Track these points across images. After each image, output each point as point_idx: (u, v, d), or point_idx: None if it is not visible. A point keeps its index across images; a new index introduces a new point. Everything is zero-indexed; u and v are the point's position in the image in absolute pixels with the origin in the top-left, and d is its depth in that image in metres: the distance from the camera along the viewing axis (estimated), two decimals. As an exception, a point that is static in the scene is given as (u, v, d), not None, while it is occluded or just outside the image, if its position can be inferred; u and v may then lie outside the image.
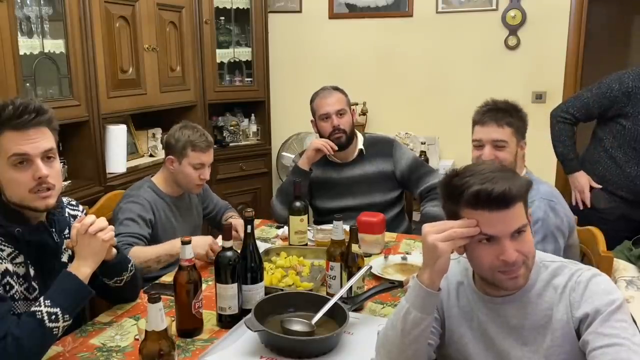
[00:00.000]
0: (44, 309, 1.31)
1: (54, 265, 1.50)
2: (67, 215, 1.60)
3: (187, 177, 2.11)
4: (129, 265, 1.61)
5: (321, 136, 2.49)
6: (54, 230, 1.52)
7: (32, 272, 1.44)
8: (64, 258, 1.55)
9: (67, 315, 1.34)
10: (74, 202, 1.71)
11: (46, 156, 1.40)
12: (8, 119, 1.34)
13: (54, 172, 1.42)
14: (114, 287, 1.60)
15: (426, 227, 1.14)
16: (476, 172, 1.12)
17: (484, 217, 1.10)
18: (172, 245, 1.91)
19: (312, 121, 2.54)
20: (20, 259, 1.42)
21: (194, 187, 2.16)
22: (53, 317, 1.31)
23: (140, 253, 1.88)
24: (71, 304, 1.36)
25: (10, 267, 1.39)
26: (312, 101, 2.51)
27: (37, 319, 1.30)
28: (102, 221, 1.45)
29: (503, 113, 1.85)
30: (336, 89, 2.50)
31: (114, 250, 1.55)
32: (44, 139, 1.40)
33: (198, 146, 2.08)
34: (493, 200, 1.08)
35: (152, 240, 2.03)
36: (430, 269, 1.13)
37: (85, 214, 1.66)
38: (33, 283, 1.44)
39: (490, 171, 1.12)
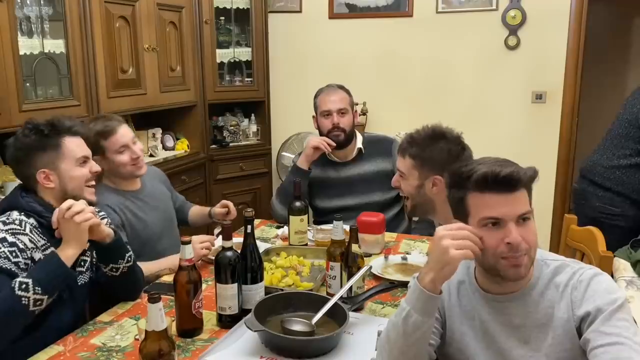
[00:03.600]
0: (18, 279, 1.38)
1: (77, 259, 1.56)
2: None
3: (120, 164, 2.01)
4: (127, 255, 1.64)
5: (320, 132, 2.49)
6: None
7: None
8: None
9: (39, 288, 1.39)
10: None
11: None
12: (69, 127, 1.62)
13: None
14: (111, 278, 1.62)
15: (441, 230, 1.13)
16: (483, 161, 1.17)
17: (491, 200, 1.12)
18: (172, 261, 1.87)
19: (313, 116, 2.55)
20: (49, 251, 1.51)
21: (133, 169, 2.05)
22: (23, 286, 1.37)
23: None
24: (44, 278, 1.41)
25: (41, 257, 1.49)
26: (315, 96, 2.52)
27: (10, 287, 1.37)
28: (79, 205, 1.50)
29: (408, 145, 1.76)
30: (341, 87, 2.51)
31: (107, 231, 1.59)
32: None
33: (106, 132, 1.99)
34: (500, 181, 1.11)
35: (132, 243, 1.95)
36: (435, 273, 1.12)
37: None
38: None
39: (496, 159, 1.18)
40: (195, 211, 2.41)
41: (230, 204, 2.26)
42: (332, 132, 2.44)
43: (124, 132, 2.04)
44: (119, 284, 1.65)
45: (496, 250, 1.13)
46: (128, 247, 1.68)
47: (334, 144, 2.42)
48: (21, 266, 1.44)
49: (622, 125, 2.50)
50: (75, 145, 1.62)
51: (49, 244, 1.53)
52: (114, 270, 1.61)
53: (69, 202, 1.50)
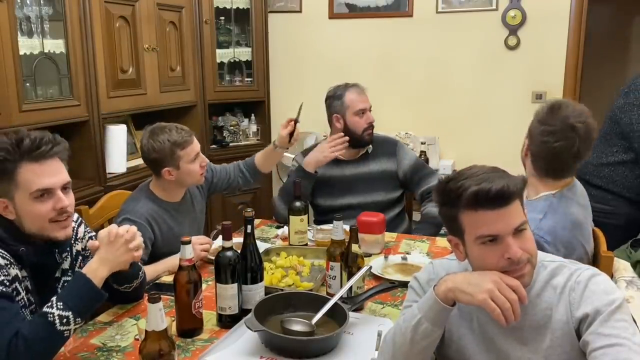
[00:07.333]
0: (56, 312, 1.31)
1: (50, 282, 1.51)
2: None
3: (192, 173, 2.05)
4: (140, 273, 1.62)
5: (351, 132, 2.45)
6: (56, 250, 1.53)
7: (30, 286, 1.46)
8: (58, 274, 1.55)
9: (79, 319, 1.34)
10: None
11: (64, 187, 1.45)
12: (27, 151, 1.37)
13: (72, 202, 1.48)
14: (122, 291, 1.60)
15: (496, 275, 1.10)
16: (470, 175, 1.13)
17: (485, 217, 1.10)
18: (171, 263, 1.87)
19: (335, 116, 2.49)
20: (23, 272, 1.44)
21: (200, 178, 2.11)
22: (64, 320, 1.31)
23: None
24: (83, 307, 1.36)
25: (19, 274, 1.41)
26: (340, 96, 2.48)
27: (49, 321, 1.30)
28: (133, 229, 1.47)
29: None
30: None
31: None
32: (63, 172, 1.45)
33: (185, 142, 2.01)
34: (492, 198, 1.09)
35: (154, 255, 1.99)
36: (453, 292, 1.12)
37: (81, 221, 1.66)
38: (31, 297, 1.46)
39: (484, 172, 1.13)
40: (260, 157, 2.38)
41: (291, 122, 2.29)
42: (367, 131, 2.47)
43: (196, 142, 2.08)
44: (127, 294, 1.63)
45: (497, 265, 1.12)
46: (139, 264, 1.64)
47: (348, 144, 2.43)
48: (6, 283, 1.33)
49: (605, 122, 2.54)
50: (33, 175, 1.38)
51: (20, 264, 1.42)
52: (127, 288, 1.60)
53: (133, 228, 1.47)
